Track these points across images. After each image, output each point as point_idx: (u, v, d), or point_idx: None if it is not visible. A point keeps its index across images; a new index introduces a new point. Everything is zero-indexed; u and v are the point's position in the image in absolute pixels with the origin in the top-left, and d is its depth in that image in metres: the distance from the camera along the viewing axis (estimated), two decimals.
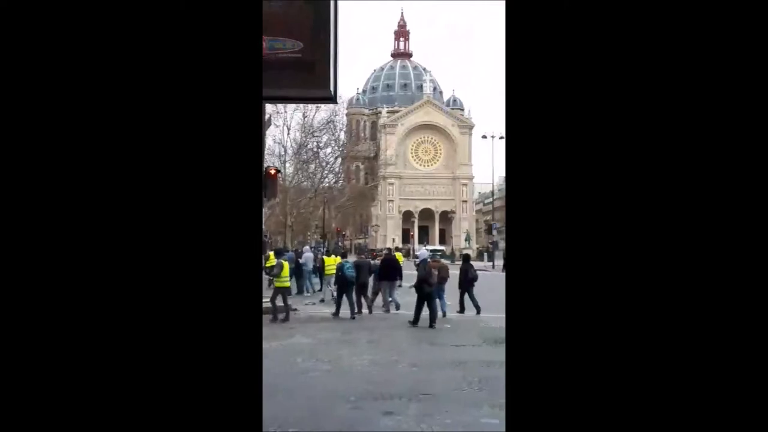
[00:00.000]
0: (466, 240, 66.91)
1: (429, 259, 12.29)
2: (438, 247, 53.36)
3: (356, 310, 12.08)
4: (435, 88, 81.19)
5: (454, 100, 79.53)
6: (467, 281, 12.63)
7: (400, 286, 13.42)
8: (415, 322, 10.50)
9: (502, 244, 61.51)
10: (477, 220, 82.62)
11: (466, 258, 13.92)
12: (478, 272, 13.83)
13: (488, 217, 70.86)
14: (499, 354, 7.98)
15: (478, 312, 12.17)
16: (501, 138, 43.47)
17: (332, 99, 2.94)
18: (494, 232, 49.18)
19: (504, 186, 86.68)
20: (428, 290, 10.73)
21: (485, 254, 50.23)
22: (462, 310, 12.41)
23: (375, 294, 13.32)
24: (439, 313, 11.26)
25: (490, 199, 66.06)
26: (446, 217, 74.16)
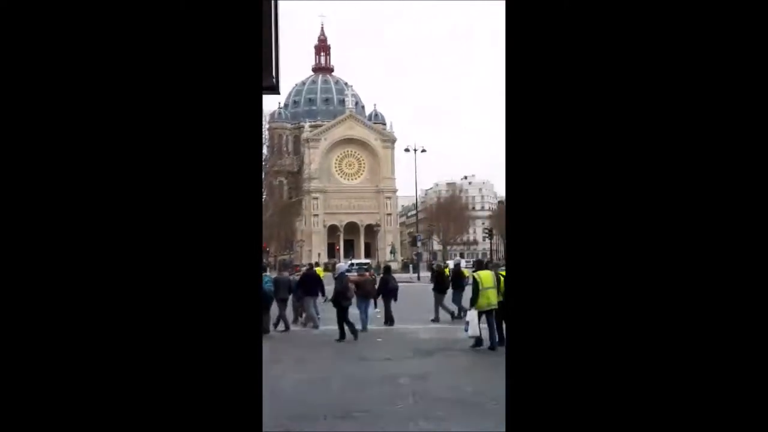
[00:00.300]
0: (391, 252, 67.41)
1: (347, 273, 12.13)
2: (364, 260, 53.33)
3: (283, 328, 11.75)
4: (357, 103, 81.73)
5: (376, 114, 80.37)
6: (387, 291, 12.69)
7: (324, 301, 13.19)
8: (341, 337, 10.31)
9: (425, 256, 62.43)
10: (401, 233, 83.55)
11: (386, 269, 14.11)
12: (403, 284, 13.92)
13: (412, 230, 71.75)
14: (431, 366, 7.94)
15: (389, 323, 12.24)
16: (423, 151, 44.20)
17: (275, 89, 2.82)
18: (418, 244, 49.80)
19: (426, 198, 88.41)
20: (345, 304, 10.59)
21: (410, 266, 50.69)
22: (390, 322, 12.34)
23: (296, 311, 13.02)
24: (368, 325, 11.12)
25: (414, 212, 66.93)
26: (371, 231, 74.43)
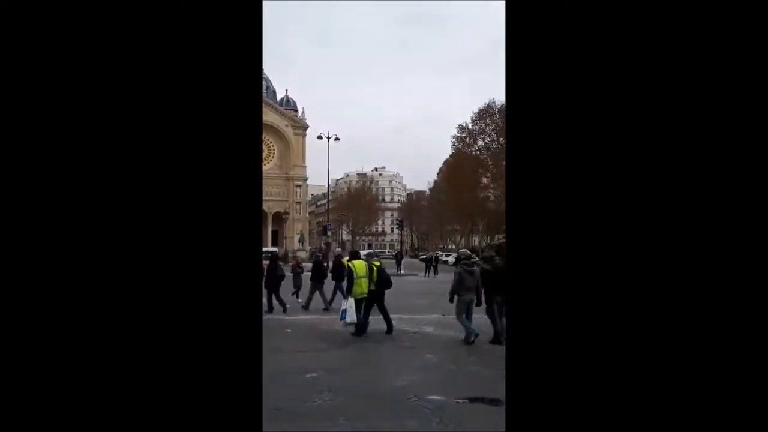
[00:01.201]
0: (299, 241, 66.52)
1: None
2: (271, 248, 52.19)
3: None
4: (268, 87, 79.64)
5: (287, 101, 78.77)
6: (274, 279, 12.76)
7: None
8: None
9: (334, 246, 62.28)
10: (311, 222, 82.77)
11: (273, 257, 14.04)
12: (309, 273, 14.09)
13: (321, 219, 71.27)
14: (346, 358, 7.66)
15: (285, 311, 12.46)
16: (336, 139, 43.75)
17: None
18: (328, 233, 49.40)
19: (336, 188, 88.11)
20: None
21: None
22: (270, 309, 12.41)
23: None
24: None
25: (324, 201, 66.37)
26: (279, 219, 73.02)
